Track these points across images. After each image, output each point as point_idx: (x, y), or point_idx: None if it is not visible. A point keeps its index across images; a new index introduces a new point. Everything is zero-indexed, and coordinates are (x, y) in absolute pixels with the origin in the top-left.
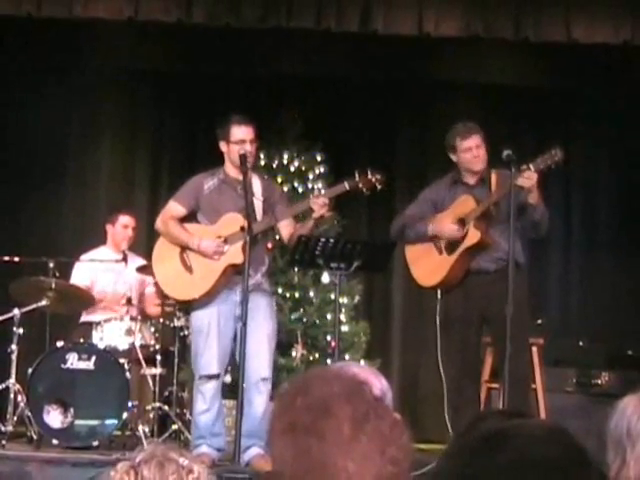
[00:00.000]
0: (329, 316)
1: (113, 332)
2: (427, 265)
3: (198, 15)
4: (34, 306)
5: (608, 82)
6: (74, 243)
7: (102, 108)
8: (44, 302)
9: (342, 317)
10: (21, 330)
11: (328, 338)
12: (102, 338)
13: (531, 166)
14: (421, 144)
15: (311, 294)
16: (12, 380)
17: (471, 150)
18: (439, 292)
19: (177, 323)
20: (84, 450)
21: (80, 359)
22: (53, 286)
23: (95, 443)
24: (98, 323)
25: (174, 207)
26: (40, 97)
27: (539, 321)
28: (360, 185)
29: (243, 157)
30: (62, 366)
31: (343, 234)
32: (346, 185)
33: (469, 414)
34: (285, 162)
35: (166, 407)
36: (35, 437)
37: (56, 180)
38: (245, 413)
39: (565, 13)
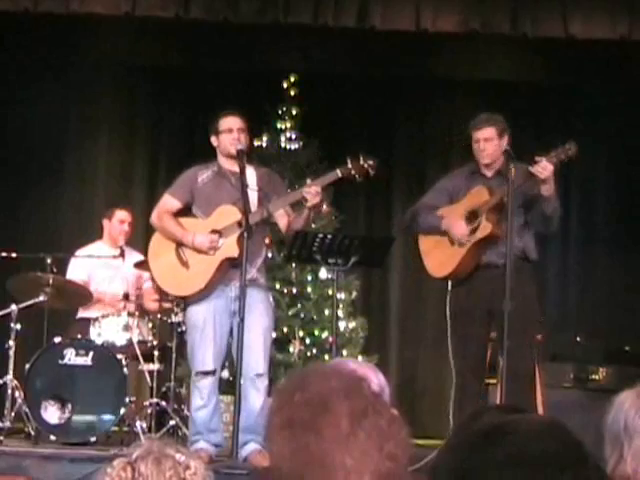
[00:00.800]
0: (327, 312)
1: (111, 328)
2: (439, 256)
3: (196, 10)
4: (32, 302)
5: (606, 78)
6: (72, 239)
7: (100, 104)
8: (42, 298)
9: (340, 313)
10: (19, 326)
11: (326, 334)
12: (100, 334)
13: (544, 159)
14: (419, 140)
15: (309, 290)
16: (10, 376)
17: (479, 142)
18: (449, 284)
19: (175, 319)
20: (82, 446)
21: (78, 355)
22: (51, 282)
23: (93, 439)
24: (96, 319)
25: (169, 201)
26: (37, 93)
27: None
28: (352, 172)
29: (240, 152)
30: (60, 362)
31: (341, 229)
32: (338, 172)
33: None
34: (282, 158)
35: (163, 403)
36: (33, 433)
37: (54, 176)
38: (242, 409)
39: (562, 9)
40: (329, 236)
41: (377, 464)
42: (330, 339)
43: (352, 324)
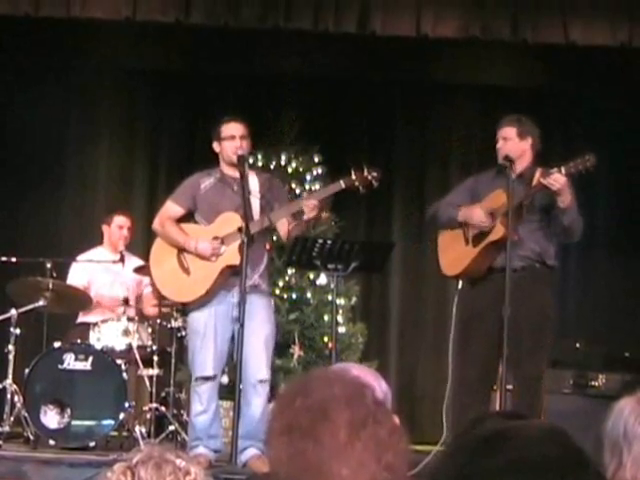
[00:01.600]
0: (326, 317)
1: (110, 333)
2: (452, 254)
3: (196, 15)
4: (31, 306)
5: (606, 84)
6: (72, 243)
7: (100, 108)
8: (41, 302)
9: (339, 318)
10: (18, 330)
11: (325, 339)
12: (99, 339)
13: (562, 169)
14: (419, 145)
15: (308, 295)
16: (9, 380)
17: (498, 142)
18: (460, 284)
19: (174, 324)
20: (81, 451)
21: (77, 359)
22: (50, 286)
23: (92, 444)
24: (95, 324)
25: (171, 207)
26: (38, 97)
27: None
28: (356, 183)
29: (241, 158)
30: (59, 366)
31: (341, 235)
32: (342, 183)
33: (468, 415)
34: (283, 163)
35: (163, 408)
36: (32, 437)
37: (54, 180)
38: (243, 414)
39: (563, 15)
40: (329, 241)
41: (374, 475)
42: (330, 344)
43: (352, 329)
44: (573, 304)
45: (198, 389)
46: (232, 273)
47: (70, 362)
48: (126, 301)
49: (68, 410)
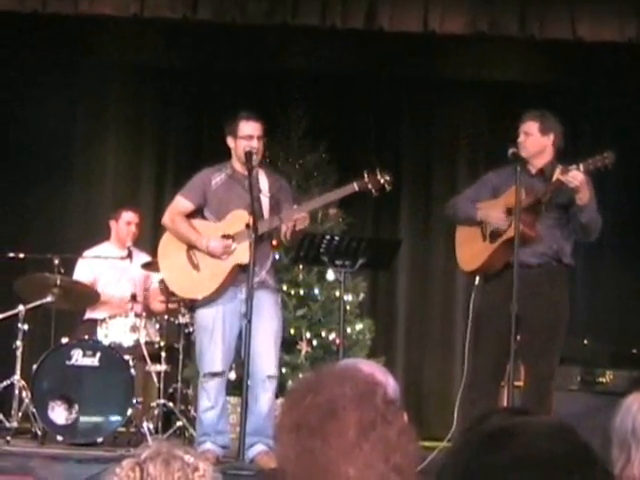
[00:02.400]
0: (334, 313)
1: (118, 329)
2: (470, 250)
3: (204, 11)
4: (39, 302)
5: (614, 80)
6: (79, 239)
7: (107, 104)
8: (49, 299)
9: (347, 315)
10: (26, 326)
11: (333, 335)
12: (107, 335)
13: (581, 166)
14: (427, 141)
15: (316, 291)
16: (17, 376)
17: (520, 135)
18: (477, 280)
19: (182, 320)
20: (88, 446)
21: (85, 355)
22: (58, 282)
23: (99, 439)
24: (103, 320)
25: (181, 202)
26: (45, 94)
27: None
28: (369, 186)
29: (248, 154)
30: (67, 362)
31: (348, 231)
32: (355, 186)
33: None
34: (290, 160)
35: (170, 404)
36: (40, 433)
37: (61, 176)
38: (251, 410)
39: (570, 11)
40: (336, 238)
41: (381, 476)
42: (337, 341)
43: (359, 326)
44: (581, 301)
45: (206, 385)
46: (241, 270)
47: (78, 358)
48: (134, 297)
49: (76, 406)
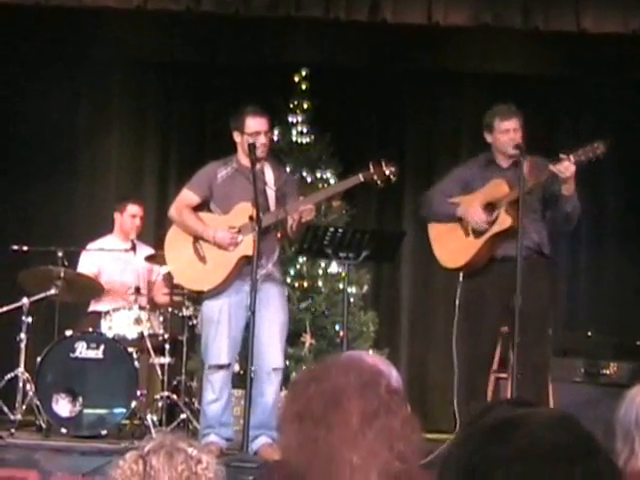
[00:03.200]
0: (338, 306)
1: (122, 321)
2: (452, 246)
3: (207, 3)
4: (43, 295)
5: (618, 72)
6: (83, 233)
7: (111, 98)
8: (53, 291)
9: (350, 307)
10: (30, 319)
11: (336, 328)
12: (111, 327)
13: (571, 157)
14: (430, 133)
15: (319, 284)
16: (21, 369)
17: (509, 132)
18: (461, 275)
19: (186, 312)
20: (92, 439)
21: (89, 348)
22: (62, 275)
23: (103, 432)
24: (107, 312)
25: (188, 195)
26: (49, 86)
27: None
28: (374, 177)
29: (252, 146)
30: (71, 355)
31: (352, 224)
32: (360, 177)
33: (477, 404)
34: (294, 152)
35: (174, 396)
36: (44, 426)
37: (65, 170)
38: (256, 403)
39: (574, 2)
40: (340, 230)
41: (385, 464)
42: (341, 333)
43: (363, 318)
44: (584, 293)
45: (211, 377)
46: (247, 263)
47: (82, 351)
48: (137, 289)
49: (80, 398)
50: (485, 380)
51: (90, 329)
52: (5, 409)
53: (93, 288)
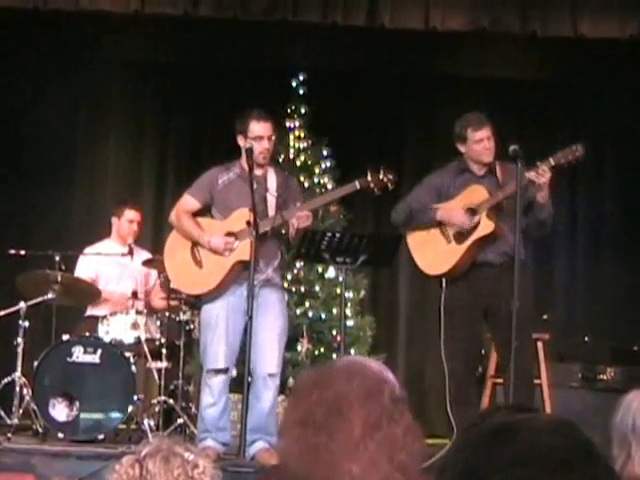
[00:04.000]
0: (335, 310)
1: (119, 325)
2: (433, 253)
3: (205, 8)
4: (40, 299)
5: (614, 78)
6: (81, 237)
7: (109, 103)
8: (50, 295)
9: (348, 311)
10: (27, 323)
11: (334, 332)
12: (108, 331)
13: (551, 160)
14: (428, 138)
15: (317, 288)
16: (18, 373)
17: (482, 142)
18: (444, 281)
19: (183, 317)
20: (89, 443)
21: (86, 352)
22: (59, 279)
23: (100, 436)
24: (104, 317)
25: (188, 201)
26: (47, 91)
27: (545, 316)
28: (372, 185)
29: (249, 151)
30: (68, 359)
31: (349, 228)
32: (357, 184)
33: (471, 408)
34: (291, 156)
35: (171, 401)
36: (41, 430)
37: (63, 175)
38: (252, 407)
39: (572, 8)
40: (337, 235)
41: (385, 474)
42: (338, 338)
43: (360, 323)
44: (582, 299)
45: (209, 381)
46: (244, 267)
47: (79, 355)
48: (135, 294)
49: (77, 403)
50: (475, 384)
51: (87, 333)
52: (2, 413)
53: (90, 292)
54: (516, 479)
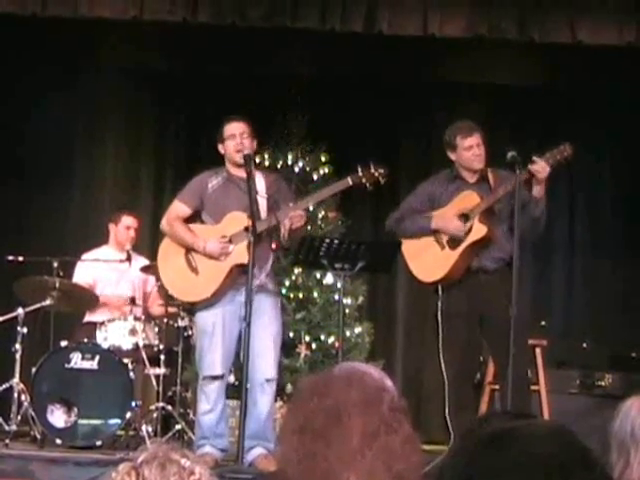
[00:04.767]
0: (333, 317)
1: (117, 332)
2: (428, 260)
3: (203, 14)
4: (38, 305)
5: (612, 84)
6: (79, 244)
7: (107, 109)
8: (48, 301)
9: (346, 318)
10: (25, 329)
11: (332, 339)
12: (106, 338)
13: (541, 160)
14: (426, 144)
15: (315, 295)
16: (16, 379)
17: (472, 148)
18: (439, 288)
19: (181, 323)
20: (87, 450)
21: (84, 359)
22: (57, 285)
23: (98, 443)
24: (102, 323)
25: (179, 207)
26: (45, 98)
27: (543, 322)
28: (363, 180)
29: (247, 157)
30: (66, 366)
31: (347, 234)
32: (349, 180)
33: (469, 415)
34: (289, 163)
35: (169, 407)
36: (39, 436)
37: (61, 181)
38: (250, 414)
39: (570, 14)
40: (336, 241)
41: None
42: (336, 344)
43: (358, 329)
44: (580, 305)
45: (205, 388)
46: (240, 272)
47: (77, 361)
48: (132, 300)
49: (75, 409)
50: (472, 389)
51: (85, 340)
52: (0, 420)
53: (88, 299)
54: None
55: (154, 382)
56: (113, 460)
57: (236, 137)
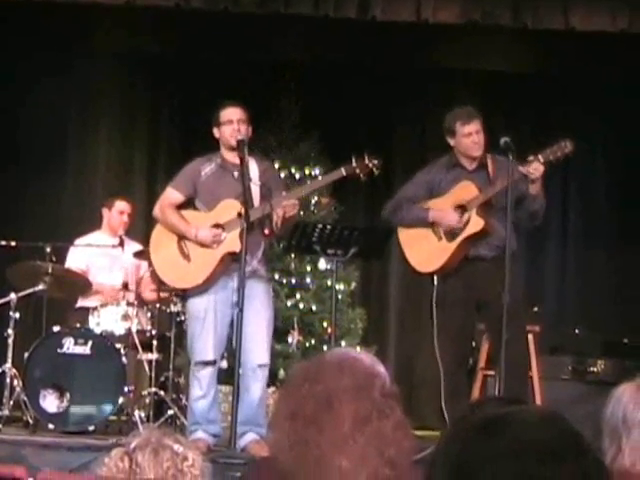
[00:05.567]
0: (326, 303)
1: (109, 317)
2: (425, 250)
3: (196, 0)
4: (31, 290)
5: (605, 70)
6: (72, 229)
7: (100, 95)
8: (41, 287)
9: (339, 304)
10: (17, 314)
11: (325, 324)
12: (99, 323)
13: (540, 157)
14: (419, 131)
15: (308, 280)
16: (8, 364)
17: (471, 135)
18: (435, 278)
19: (173, 308)
20: (80, 435)
21: (76, 344)
22: (50, 271)
23: (91, 428)
24: (95, 308)
25: (172, 194)
26: (38, 84)
27: (535, 309)
28: (357, 170)
29: (240, 142)
30: (58, 351)
31: (340, 220)
32: (343, 171)
33: (463, 401)
34: (283, 149)
35: (162, 392)
36: (31, 421)
37: (54, 166)
38: (242, 399)
39: (563, 1)
40: (329, 227)
41: (375, 469)
42: (329, 330)
43: (351, 315)
44: (572, 291)
45: (198, 374)
46: (232, 259)
47: (69, 346)
48: (125, 286)
49: (67, 394)
50: (466, 376)
51: (78, 325)
52: None
53: (81, 284)
54: (506, 471)
55: (147, 367)
56: (106, 445)
57: (233, 123)
